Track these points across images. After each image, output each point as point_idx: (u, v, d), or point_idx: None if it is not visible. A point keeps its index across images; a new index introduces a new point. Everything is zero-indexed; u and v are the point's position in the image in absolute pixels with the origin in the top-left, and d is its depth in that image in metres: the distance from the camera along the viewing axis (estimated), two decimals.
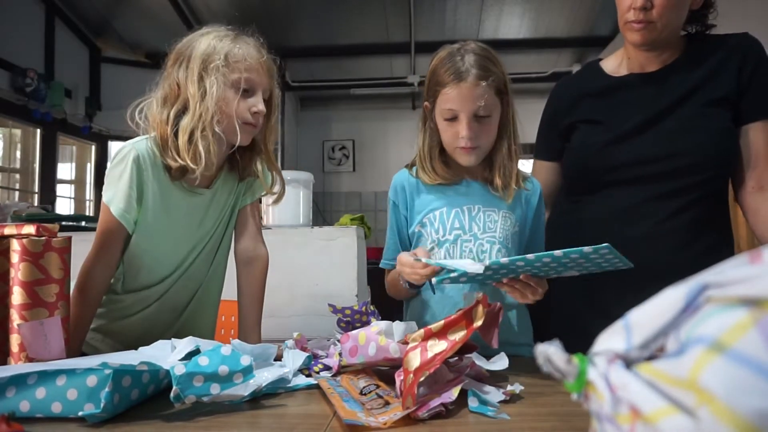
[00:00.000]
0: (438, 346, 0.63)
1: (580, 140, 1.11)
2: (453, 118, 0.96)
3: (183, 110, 0.95)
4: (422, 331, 0.65)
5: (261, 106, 0.96)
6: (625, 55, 1.11)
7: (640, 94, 1.06)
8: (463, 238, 1.00)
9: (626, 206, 1.05)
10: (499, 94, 0.97)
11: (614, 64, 1.13)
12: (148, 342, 0.85)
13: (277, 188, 1.09)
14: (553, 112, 1.19)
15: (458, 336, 0.63)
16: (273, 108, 1.05)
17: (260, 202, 1.14)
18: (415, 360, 0.62)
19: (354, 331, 0.73)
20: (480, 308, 0.64)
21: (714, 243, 1.03)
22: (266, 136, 1.06)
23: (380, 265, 1.12)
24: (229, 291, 1.13)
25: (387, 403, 0.61)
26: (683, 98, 1.02)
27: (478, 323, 0.63)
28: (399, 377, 0.64)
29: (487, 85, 0.94)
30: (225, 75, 0.93)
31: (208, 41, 0.95)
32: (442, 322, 0.64)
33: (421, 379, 0.59)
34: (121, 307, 1.02)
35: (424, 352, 0.62)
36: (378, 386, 0.67)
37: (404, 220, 1.08)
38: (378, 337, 0.69)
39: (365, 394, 0.65)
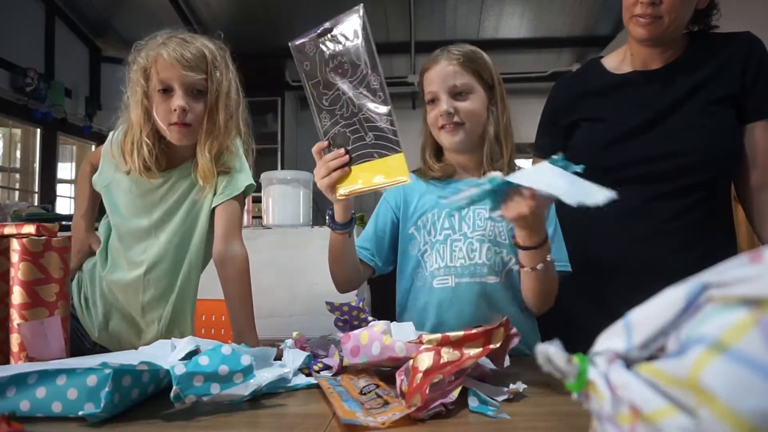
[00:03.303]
0: (451, 356, 0.62)
1: (582, 139, 1.11)
2: (434, 100, 1.01)
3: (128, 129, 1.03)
4: (440, 336, 0.65)
5: (179, 102, 0.96)
6: (628, 52, 1.10)
7: (643, 92, 1.05)
8: (452, 237, 1.00)
9: (629, 206, 1.04)
10: (481, 80, 1.00)
11: (616, 61, 1.12)
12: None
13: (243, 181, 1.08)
14: (554, 110, 1.19)
15: (473, 352, 0.63)
16: (214, 88, 0.99)
17: (243, 200, 1.11)
18: (427, 360, 0.61)
19: (355, 331, 0.73)
20: (501, 331, 0.63)
21: (718, 243, 1.02)
22: (215, 117, 1.00)
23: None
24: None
25: (386, 403, 0.61)
26: (686, 97, 1.01)
27: (496, 345, 0.63)
28: (400, 377, 0.64)
29: (461, 65, 0.98)
30: (141, 85, 0.98)
31: (134, 61, 1.00)
32: (461, 333, 0.64)
33: (434, 381, 0.58)
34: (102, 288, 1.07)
35: (437, 356, 0.62)
36: (378, 386, 0.67)
37: (391, 215, 1.08)
38: (383, 337, 0.69)
39: (365, 394, 0.65)
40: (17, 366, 0.74)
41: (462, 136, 0.99)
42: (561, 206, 1.11)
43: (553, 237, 1.01)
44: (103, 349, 1.06)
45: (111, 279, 1.06)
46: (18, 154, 3.66)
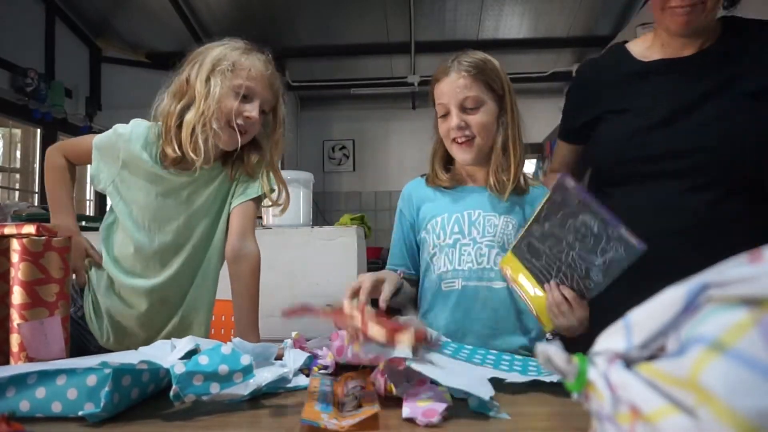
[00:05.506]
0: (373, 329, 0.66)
1: (608, 130, 1.06)
2: (445, 114, 1.02)
3: (188, 106, 1.02)
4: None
5: (254, 113, 1.02)
6: (656, 40, 1.04)
7: (672, 80, 1.00)
8: (462, 242, 1.01)
9: (656, 202, 0.99)
10: (491, 91, 1.01)
11: (642, 47, 1.07)
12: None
13: (282, 200, 1.13)
14: (579, 97, 1.15)
15: (375, 331, 0.66)
16: (278, 123, 1.12)
17: (259, 204, 1.13)
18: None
19: (342, 331, 0.74)
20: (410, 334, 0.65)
21: (749, 243, 0.98)
22: (271, 148, 1.12)
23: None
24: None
25: (360, 406, 0.60)
26: (720, 87, 0.96)
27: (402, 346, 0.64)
28: (383, 377, 0.65)
29: (471, 77, 0.98)
30: (229, 79, 1.01)
31: (221, 49, 1.04)
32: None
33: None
34: (118, 302, 1.05)
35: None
36: (363, 388, 0.67)
37: (410, 226, 1.12)
38: (354, 342, 0.70)
39: (348, 396, 0.65)
40: (17, 366, 0.74)
41: (474, 152, 1.01)
42: None
43: None
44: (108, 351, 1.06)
45: (128, 286, 1.05)
46: (18, 154, 3.66)
